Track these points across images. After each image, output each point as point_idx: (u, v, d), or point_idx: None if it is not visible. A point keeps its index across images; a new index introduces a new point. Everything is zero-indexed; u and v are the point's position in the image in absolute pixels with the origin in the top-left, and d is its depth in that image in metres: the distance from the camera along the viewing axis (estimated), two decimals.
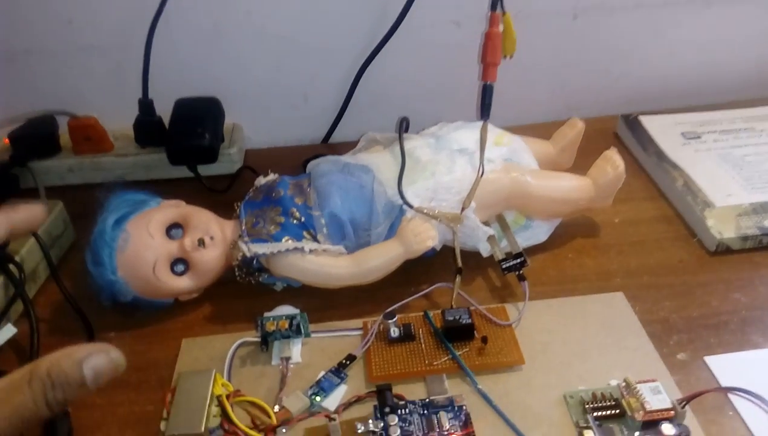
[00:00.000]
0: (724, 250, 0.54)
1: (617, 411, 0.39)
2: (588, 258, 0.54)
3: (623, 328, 0.47)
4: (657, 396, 0.39)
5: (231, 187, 0.64)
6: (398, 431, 0.38)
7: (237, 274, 0.50)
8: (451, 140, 0.53)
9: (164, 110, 0.65)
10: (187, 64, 0.68)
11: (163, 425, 0.39)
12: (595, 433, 0.38)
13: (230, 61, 0.69)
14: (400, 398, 0.41)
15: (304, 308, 0.49)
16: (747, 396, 0.41)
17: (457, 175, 0.50)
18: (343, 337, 0.47)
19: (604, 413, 0.39)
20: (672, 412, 0.38)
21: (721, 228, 0.54)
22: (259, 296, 0.51)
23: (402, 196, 0.49)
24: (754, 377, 0.42)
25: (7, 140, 0.65)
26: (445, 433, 0.38)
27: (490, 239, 0.52)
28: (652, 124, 0.69)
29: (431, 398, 0.40)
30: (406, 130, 0.55)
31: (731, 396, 0.41)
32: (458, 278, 0.49)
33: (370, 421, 0.39)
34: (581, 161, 0.61)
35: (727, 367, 0.44)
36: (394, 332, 0.45)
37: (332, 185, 0.50)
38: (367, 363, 0.44)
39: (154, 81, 0.65)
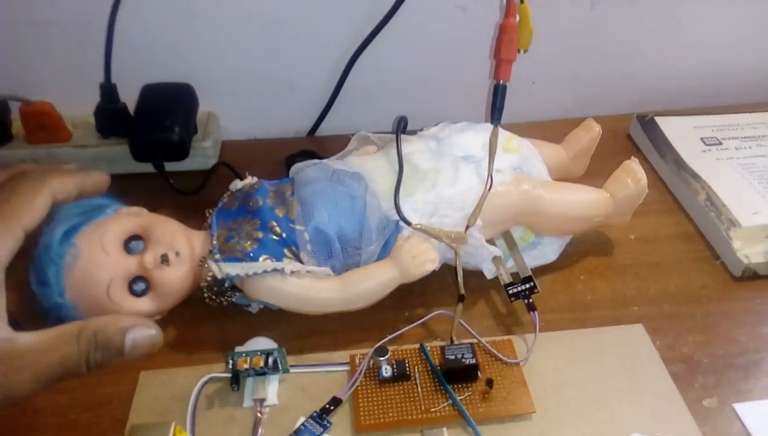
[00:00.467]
0: (750, 275, 0.48)
1: None
2: (601, 281, 0.49)
3: (644, 368, 0.41)
4: None
5: (204, 186, 0.57)
6: None
7: (206, 294, 0.44)
8: (454, 145, 0.47)
9: (129, 96, 0.58)
10: (157, 44, 0.60)
11: None
12: None
13: (206, 43, 0.61)
14: None
15: (283, 335, 0.43)
16: None
17: (461, 188, 0.44)
18: (326, 373, 0.41)
19: None
20: None
21: (748, 251, 0.49)
22: (231, 319, 0.45)
23: (399, 212, 0.43)
24: None
25: None
26: None
27: (495, 259, 0.46)
28: (668, 126, 0.64)
29: None
30: (404, 132, 0.49)
31: None
32: (460, 306, 0.43)
33: None
34: (590, 165, 0.56)
35: (760, 416, 0.39)
36: (386, 370, 0.40)
37: (319, 195, 0.44)
38: (354, 408, 0.38)
39: (119, 63, 0.58)
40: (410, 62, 0.64)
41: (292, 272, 0.41)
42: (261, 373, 0.40)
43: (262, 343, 0.41)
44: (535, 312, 0.43)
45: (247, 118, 0.66)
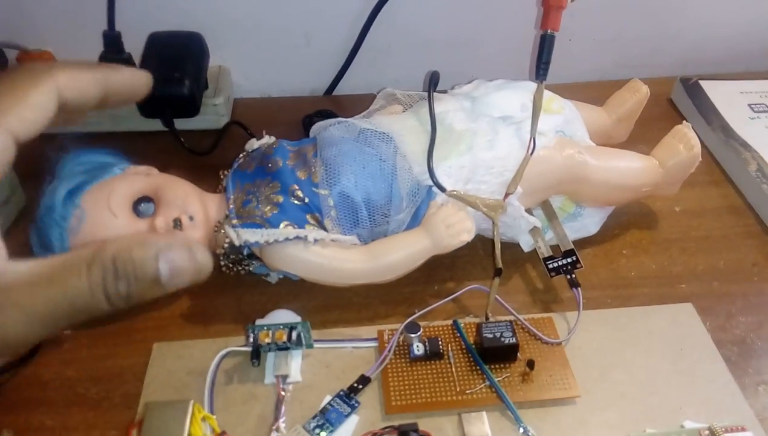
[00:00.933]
0: None
1: None
2: (646, 256, 0.45)
3: (695, 350, 0.38)
4: None
5: (216, 147, 0.53)
6: None
7: (222, 263, 0.40)
8: (491, 104, 0.43)
9: (135, 46, 0.54)
10: None
11: None
12: None
13: None
14: None
15: (304, 307, 0.40)
16: None
17: (500, 152, 0.40)
18: (353, 350, 0.38)
19: None
20: None
21: None
22: (249, 290, 0.42)
23: (432, 176, 0.39)
24: None
25: None
26: None
27: (534, 230, 0.43)
28: (714, 91, 0.59)
29: None
30: (435, 88, 0.44)
31: None
32: (496, 281, 0.39)
33: None
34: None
35: None
36: (418, 348, 0.37)
37: (344, 157, 0.40)
38: (384, 388, 0.35)
39: (123, 9, 0.53)
40: (436, 15, 0.59)
41: (315, 241, 0.38)
42: (283, 348, 0.37)
43: (284, 316, 0.38)
44: (578, 289, 0.40)
45: (261, 73, 0.62)
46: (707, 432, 0.32)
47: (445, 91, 0.47)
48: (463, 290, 0.41)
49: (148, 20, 0.54)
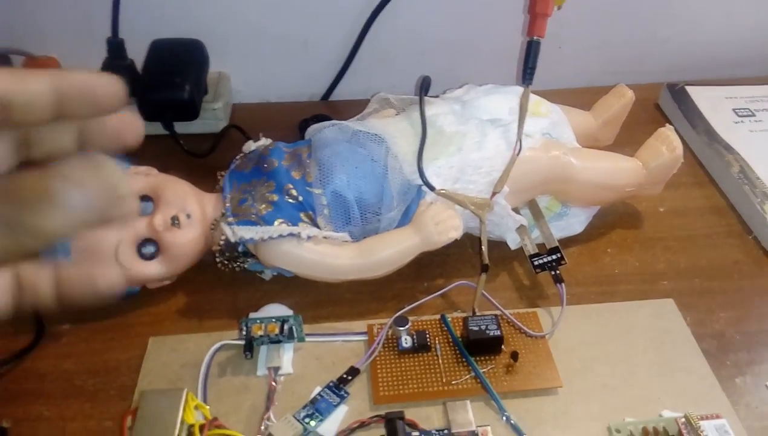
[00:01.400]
0: None
1: None
2: (630, 254, 0.47)
3: (675, 344, 0.39)
4: None
5: (214, 149, 0.55)
6: None
7: (218, 259, 0.42)
8: (480, 108, 0.44)
9: (138, 53, 0.55)
10: None
11: None
12: None
13: None
14: (413, 426, 0.34)
15: (297, 303, 0.41)
16: None
17: (488, 153, 0.42)
18: (343, 343, 0.39)
19: None
20: None
21: None
22: (243, 286, 0.43)
23: (422, 176, 0.40)
24: None
25: None
26: None
27: (520, 228, 0.44)
28: (700, 96, 0.61)
29: (453, 430, 0.33)
30: (426, 93, 0.46)
31: None
32: (483, 277, 0.41)
33: None
34: (615, 137, 0.53)
35: None
36: (406, 341, 0.38)
37: (337, 157, 0.41)
38: (372, 379, 0.37)
39: (127, 17, 0.55)
40: (431, 22, 0.60)
41: (308, 237, 0.39)
42: (275, 341, 0.38)
43: (276, 310, 0.40)
44: (562, 284, 0.41)
45: (259, 79, 0.63)
46: (683, 420, 0.33)
47: (436, 96, 0.48)
48: (451, 285, 0.42)
49: (150, 28, 0.56)
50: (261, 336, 0.37)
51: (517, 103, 0.43)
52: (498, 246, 0.45)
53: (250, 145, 0.46)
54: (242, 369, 0.38)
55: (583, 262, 0.46)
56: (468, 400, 0.35)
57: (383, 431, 0.33)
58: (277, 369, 0.37)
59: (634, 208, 0.50)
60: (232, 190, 0.42)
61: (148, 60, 0.54)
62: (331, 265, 0.40)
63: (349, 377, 0.37)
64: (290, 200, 0.40)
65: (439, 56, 0.61)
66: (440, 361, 0.37)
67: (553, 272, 0.42)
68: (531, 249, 0.43)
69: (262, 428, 0.34)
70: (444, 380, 0.36)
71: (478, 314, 0.40)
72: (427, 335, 0.38)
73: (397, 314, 0.39)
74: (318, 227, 0.40)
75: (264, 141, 0.46)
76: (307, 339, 0.39)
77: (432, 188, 0.40)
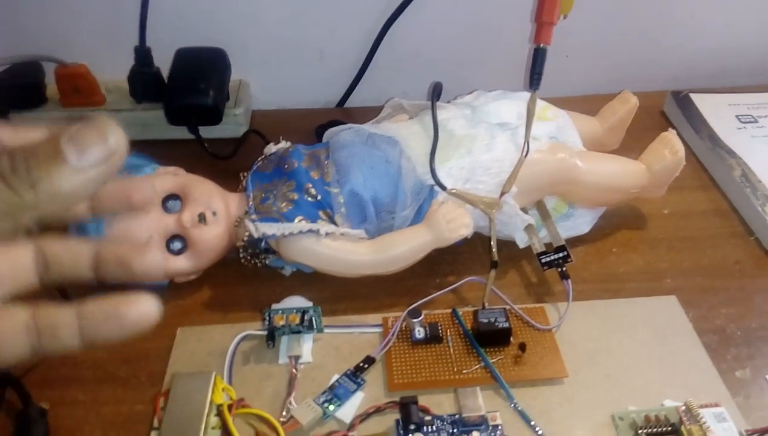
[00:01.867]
0: None
1: None
2: (635, 254, 0.48)
3: (677, 338, 0.41)
4: (722, 424, 0.34)
5: (236, 153, 0.57)
6: None
7: (241, 255, 0.44)
8: (489, 112, 0.47)
9: (163, 61, 0.58)
10: (191, 9, 0.60)
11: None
12: None
13: (239, 8, 0.61)
14: (426, 411, 0.36)
15: (316, 297, 0.44)
16: None
17: (497, 154, 0.44)
18: (360, 334, 0.41)
19: None
20: None
21: None
22: (265, 281, 0.46)
23: (434, 176, 0.43)
24: None
25: None
26: None
27: (528, 228, 0.46)
28: (703, 103, 0.62)
29: (463, 415, 0.35)
30: (438, 98, 0.48)
31: None
32: (493, 273, 0.43)
33: None
34: (623, 142, 0.55)
35: None
36: (419, 332, 0.40)
37: (354, 158, 0.44)
38: (387, 367, 0.39)
39: (154, 27, 0.58)
40: (443, 32, 0.63)
41: (327, 234, 0.41)
42: (296, 331, 0.40)
43: (297, 301, 0.42)
44: (569, 280, 0.43)
45: (277, 87, 0.66)
46: (684, 408, 0.35)
47: (447, 102, 0.51)
48: (462, 281, 0.44)
49: (176, 37, 0.59)
50: (282, 326, 0.39)
51: (524, 108, 0.45)
52: (507, 245, 0.47)
53: (271, 148, 0.48)
54: (265, 357, 0.40)
55: (590, 260, 0.48)
56: (477, 387, 0.37)
57: (397, 416, 0.35)
58: (297, 358, 0.39)
59: (639, 211, 0.52)
60: (255, 189, 0.44)
61: (173, 67, 0.57)
62: (348, 260, 0.42)
63: (366, 366, 0.39)
64: (309, 199, 0.43)
65: (449, 64, 0.63)
66: (452, 351, 0.39)
67: (559, 269, 0.44)
68: (539, 247, 0.45)
69: (284, 413, 0.37)
70: (455, 369, 0.38)
71: (487, 307, 0.41)
72: (440, 327, 0.40)
73: (411, 306, 0.41)
74: (336, 224, 0.42)
75: (284, 144, 0.49)
76: (326, 330, 0.41)
77: (444, 188, 0.43)
